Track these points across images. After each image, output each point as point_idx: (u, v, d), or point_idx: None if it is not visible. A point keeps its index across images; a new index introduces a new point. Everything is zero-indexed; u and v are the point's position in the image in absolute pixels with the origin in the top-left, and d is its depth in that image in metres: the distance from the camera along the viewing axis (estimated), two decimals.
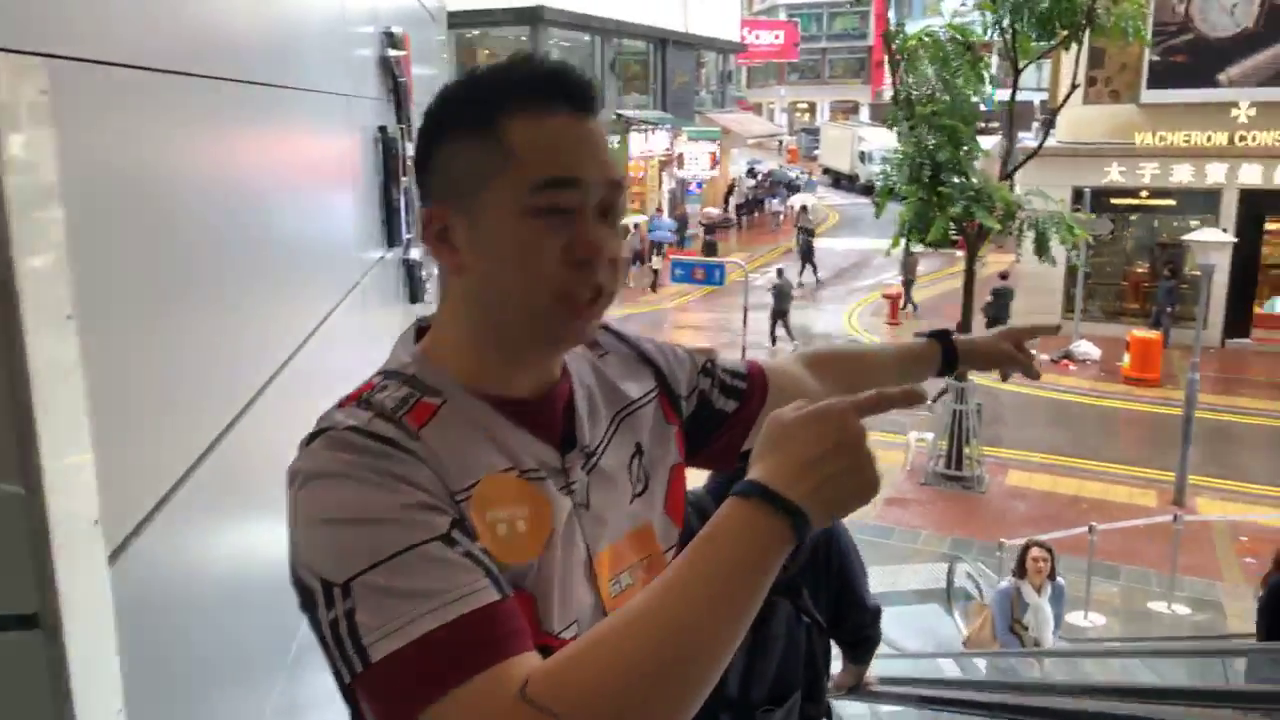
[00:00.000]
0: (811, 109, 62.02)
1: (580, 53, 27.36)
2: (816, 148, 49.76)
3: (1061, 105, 12.88)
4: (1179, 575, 10.08)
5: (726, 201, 35.47)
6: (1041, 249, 11.93)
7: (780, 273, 19.65)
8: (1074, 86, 13.02)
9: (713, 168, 32.95)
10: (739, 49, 40.24)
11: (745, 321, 15.24)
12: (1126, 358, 17.71)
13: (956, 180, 11.82)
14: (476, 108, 0.99)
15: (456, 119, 1.01)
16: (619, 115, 27.76)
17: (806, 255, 26.71)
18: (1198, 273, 19.83)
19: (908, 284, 23.02)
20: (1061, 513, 12.25)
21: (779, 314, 19.80)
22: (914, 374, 1.48)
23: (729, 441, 1.31)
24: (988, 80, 11.85)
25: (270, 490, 1.06)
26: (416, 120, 4.95)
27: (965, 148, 11.84)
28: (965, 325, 13.24)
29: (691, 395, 1.28)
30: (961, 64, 11.07)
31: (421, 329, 1.09)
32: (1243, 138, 18.41)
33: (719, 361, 1.35)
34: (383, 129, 3.92)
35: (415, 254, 4.44)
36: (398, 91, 4.27)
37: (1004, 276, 19.46)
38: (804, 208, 34.51)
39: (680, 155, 31.77)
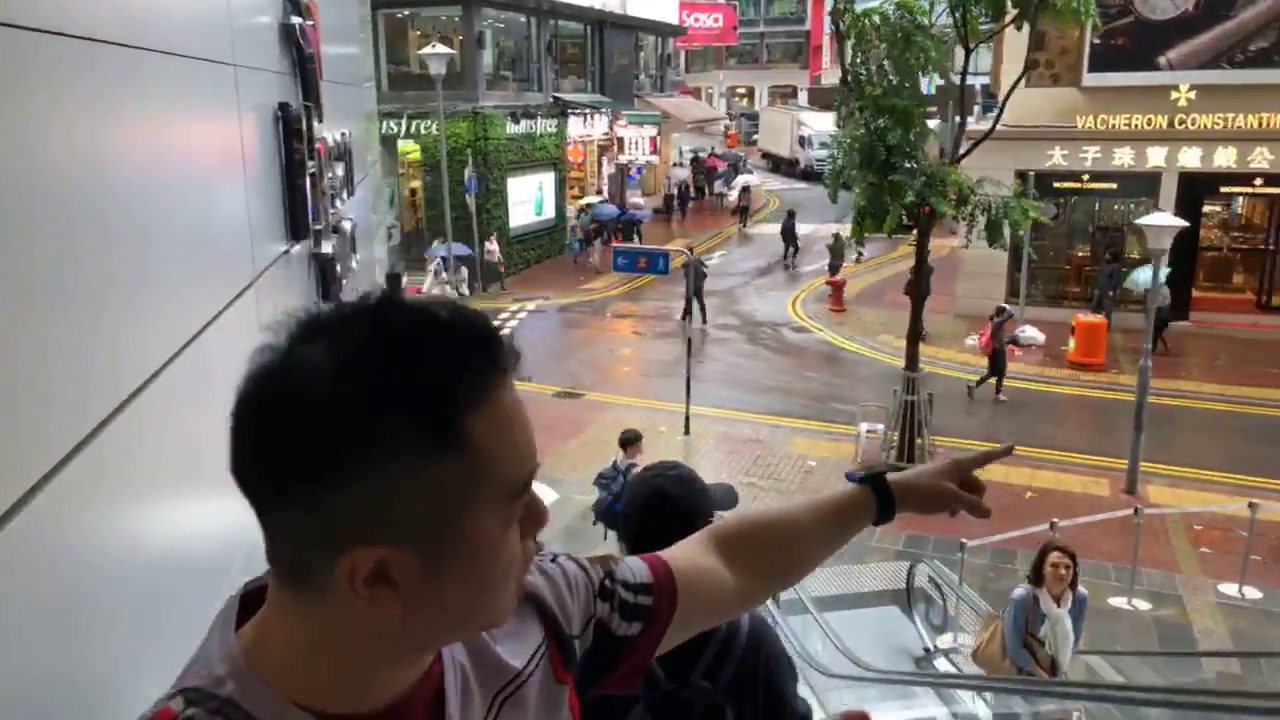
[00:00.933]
0: (750, 94, 61.85)
1: (516, 34, 26.56)
2: (756, 133, 49.57)
3: (1013, 88, 12.57)
4: (1138, 569, 9.88)
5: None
6: (994, 234, 11.63)
7: (690, 250, 19.25)
8: (1028, 66, 12.74)
9: (653, 152, 32.46)
10: (678, 32, 39.74)
11: (702, 311, 14.74)
12: (1071, 342, 17.68)
13: (908, 165, 11.45)
14: (418, 416, 0.77)
15: (387, 436, 0.76)
16: (556, 99, 27.06)
17: (788, 236, 26.60)
18: (1136, 256, 20.07)
19: (834, 268, 23.00)
20: (1015, 504, 12.01)
21: (696, 293, 19.49)
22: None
23: (633, 666, 1.17)
24: (941, 60, 11.47)
25: (139, 502, 1.19)
26: (330, 101, 4.41)
27: (916, 130, 11.48)
28: (916, 311, 12.93)
29: (587, 628, 1.13)
30: (924, 42, 10.66)
31: (249, 597, 0.89)
32: (1182, 120, 18.46)
33: (619, 575, 1.17)
34: (284, 106, 3.37)
35: (328, 247, 3.94)
36: (303, 65, 3.71)
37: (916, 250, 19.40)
38: (745, 188, 34.41)
39: (620, 139, 31.19)
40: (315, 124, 3.83)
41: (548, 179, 26.94)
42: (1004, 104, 12.69)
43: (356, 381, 0.75)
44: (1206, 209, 19.32)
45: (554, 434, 14.05)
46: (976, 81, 26.17)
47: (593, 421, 14.95)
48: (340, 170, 4.65)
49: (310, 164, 3.62)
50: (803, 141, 41.26)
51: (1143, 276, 17.86)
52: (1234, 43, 18.22)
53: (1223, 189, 19.70)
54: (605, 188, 30.72)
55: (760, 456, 13.72)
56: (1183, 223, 11.69)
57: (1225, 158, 18.46)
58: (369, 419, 0.75)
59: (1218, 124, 18.27)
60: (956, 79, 12.78)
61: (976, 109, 20.46)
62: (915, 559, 9.61)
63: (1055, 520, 9.28)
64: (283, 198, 3.35)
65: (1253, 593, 9.90)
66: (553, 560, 1.12)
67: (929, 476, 1.41)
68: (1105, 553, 10.61)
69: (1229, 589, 9.98)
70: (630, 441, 9.56)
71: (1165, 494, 12.16)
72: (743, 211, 33.49)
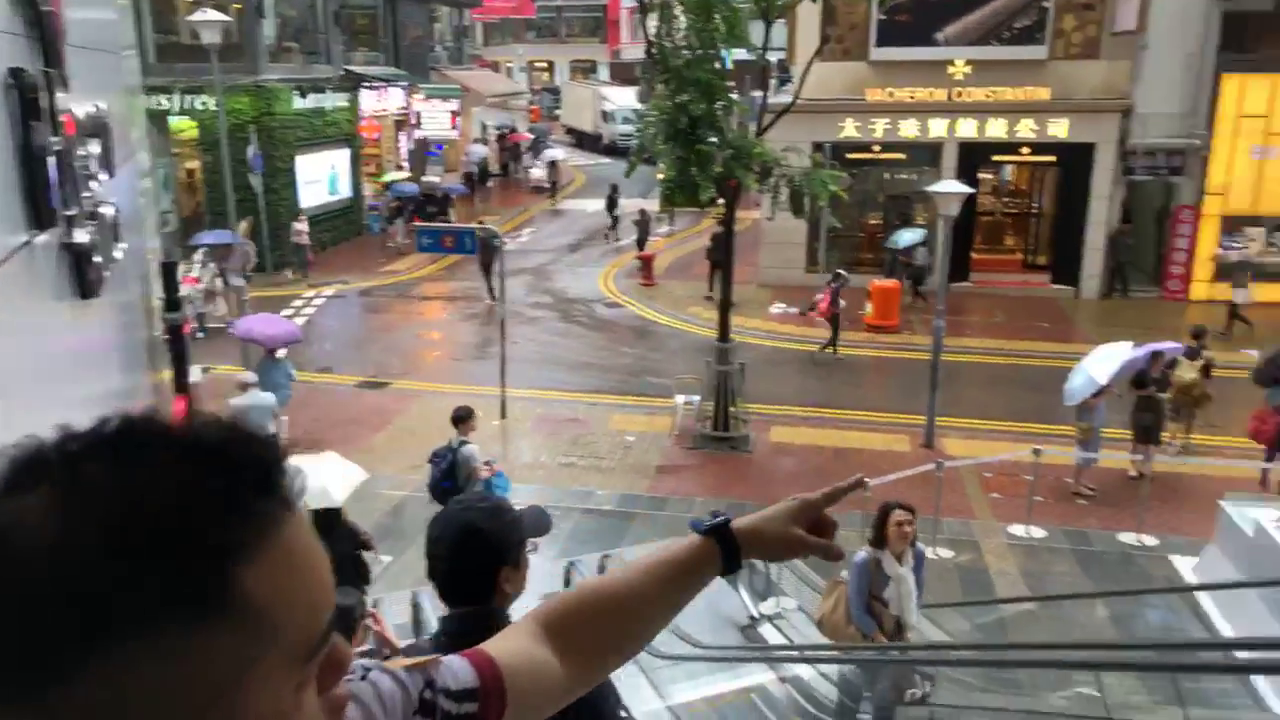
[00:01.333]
0: (550, 68, 61.28)
1: (300, 3, 24.94)
2: (558, 108, 49.17)
3: (811, 62, 12.91)
4: (939, 519, 10.46)
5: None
6: (798, 205, 11.94)
7: (481, 223, 18.93)
8: (823, 40, 13.11)
9: (453, 127, 31.52)
10: (474, 4, 38.70)
11: (502, 290, 14.38)
12: (869, 306, 18.58)
13: (713, 138, 11.54)
14: (173, 578, 0.61)
15: (132, 609, 0.60)
16: (347, 71, 25.69)
17: (611, 208, 26.52)
18: (922, 222, 21.32)
19: (641, 243, 23.19)
20: (827, 465, 12.51)
21: (484, 267, 19.24)
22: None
23: None
24: (741, 33, 11.59)
25: None
26: (79, 70, 3.82)
27: (721, 103, 11.58)
28: (726, 283, 13.12)
29: None
30: (724, 14, 10.69)
31: None
32: (959, 94, 19.69)
33: (440, 682, 1.05)
34: (16, 73, 2.84)
35: (83, 236, 3.40)
36: (41, 25, 3.15)
37: (722, 223, 19.92)
38: (553, 163, 34.09)
39: (418, 114, 30.07)
40: (59, 95, 3.29)
41: (341, 156, 25.58)
42: (804, 77, 13.01)
43: (87, 541, 0.60)
44: (981, 176, 20.70)
45: (359, 427, 13.37)
46: (772, 56, 27.07)
47: (401, 411, 14.35)
48: (96, 148, 4.06)
49: (55, 140, 3.10)
50: (606, 116, 41.27)
51: (903, 238, 19.03)
52: (1001, 20, 19.58)
53: (995, 158, 21.22)
54: (406, 164, 29.57)
55: (579, 436, 13.60)
56: (968, 189, 12.44)
57: (996, 128, 19.87)
58: (107, 589, 0.59)
59: (989, 97, 19.61)
60: (752, 54, 12.99)
61: (772, 83, 21.02)
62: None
63: (865, 479, 9.63)
64: (18, 179, 2.83)
65: (1038, 531, 10.72)
66: (363, 678, 0.98)
67: (777, 522, 1.32)
68: (911, 504, 11.17)
69: (1018, 530, 10.76)
70: (462, 419, 9.20)
71: (959, 446, 12.97)
72: (551, 186, 33.23)
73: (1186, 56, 18.84)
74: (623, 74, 46.73)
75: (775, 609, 8.94)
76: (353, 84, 25.88)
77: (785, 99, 13.76)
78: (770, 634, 8.57)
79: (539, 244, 26.82)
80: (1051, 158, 20.60)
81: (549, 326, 19.32)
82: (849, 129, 20.32)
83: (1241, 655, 4.43)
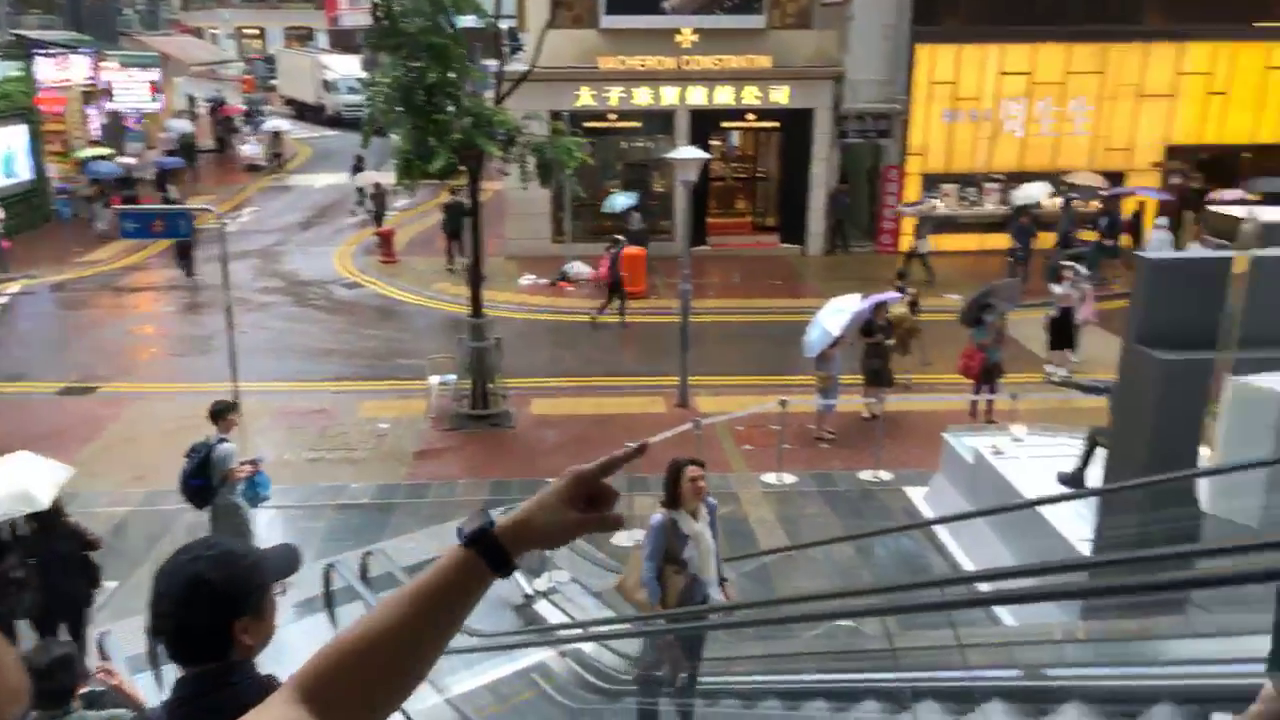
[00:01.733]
0: (262, 35, 56.96)
1: None
2: (274, 77, 45.83)
3: (546, 29, 12.68)
4: None
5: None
6: (546, 174, 11.72)
7: (166, 197, 17.45)
8: (556, 6, 12.86)
9: (153, 98, 28.51)
10: None
11: (225, 276, 13.10)
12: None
13: (450, 106, 11.04)
14: None
15: None
16: (18, 36, 22.47)
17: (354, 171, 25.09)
18: (661, 189, 21.82)
19: (379, 217, 22.22)
20: (589, 433, 12.50)
21: (183, 249, 17.96)
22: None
23: None
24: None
25: None
26: None
27: (456, 69, 11.07)
28: (477, 255, 12.69)
29: None
30: None
31: None
32: (687, 62, 20.21)
33: None
34: None
35: None
36: None
37: (454, 193, 19.57)
38: (276, 134, 31.82)
39: (109, 84, 26.89)
40: None
41: (17, 133, 22.37)
42: (539, 45, 12.72)
43: None
44: (712, 143, 21.41)
45: (65, 439, 11.76)
46: (502, 25, 26.53)
47: (114, 419, 12.80)
48: None
49: None
50: (328, 86, 38.93)
51: (617, 202, 19.40)
52: None
53: (724, 124, 22.02)
54: (100, 140, 26.37)
55: (327, 427, 12.75)
56: (706, 155, 12.72)
57: (724, 95, 20.61)
58: None
59: (716, 65, 20.28)
60: (483, 21, 12.54)
61: (504, 51, 20.58)
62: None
63: (629, 444, 9.66)
64: None
65: (789, 478, 11.28)
66: None
67: (548, 508, 1.25)
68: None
69: (770, 478, 11.26)
70: (220, 414, 8.25)
71: (710, 403, 13.39)
72: (275, 159, 30.98)
73: (885, 27, 20.40)
74: (344, 41, 44.18)
75: (549, 584, 8.81)
76: (24, 51, 22.66)
77: (520, 68, 13.44)
78: (546, 610, 8.42)
79: (264, 224, 24.88)
80: (775, 123, 21.69)
81: (282, 312, 17.97)
82: (585, 97, 20.33)
83: (983, 587, 4.72)
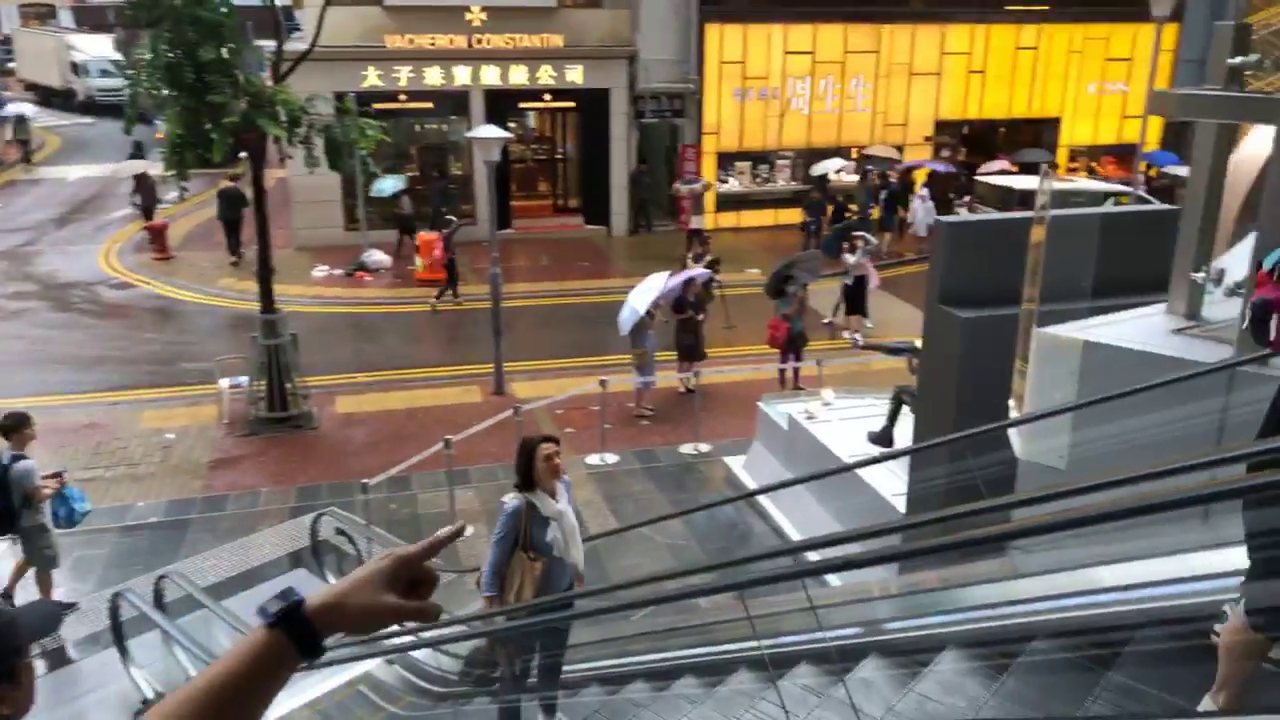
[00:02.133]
0: None
1: None
2: (11, 59, 41.13)
3: (326, 5, 11.85)
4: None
5: None
6: (336, 157, 11.00)
7: None
8: None
9: None
10: None
11: None
12: (419, 260, 18.08)
13: (227, 86, 10.14)
14: None
15: None
16: None
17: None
18: (459, 171, 21.21)
19: (148, 210, 20.41)
20: (403, 428, 11.96)
21: None
22: (263, 695, 1.10)
23: None
24: None
25: None
26: None
27: (231, 46, 10.16)
28: (264, 246, 11.77)
29: None
30: None
31: None
32: (479, 40, 19.66)
33: None
34: None
35: None
36: None
37: (234, 179, 18.43)
38: (21, 119, 28.62)
39: None
40: None
41: None
42: (320, 21, 11.90)
43: None
44: (510, 124, 21.01)
45: None
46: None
47: None
48: None
49: None
50: (77, 69, 35.32)
51: (386, 186, 18.74)
52: None
53: (521, 104, 21.64)
54: None
55: (102, 443, 11.52)
56: (507, 134, 12.39)
57: (519, 75, 20.22)
58: None
59: (509, 44, 19.85)
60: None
61: (281, 27, 19.31)
62: (316, 511, 8.88)
63: (449, 437, 9.31)
64: None
65: (611, 457, 11.21)
66: None
67: (364, 590, 1.16)
68: (494, 455, 11.08)
69: (594, 459, 11.16)
70: (11, 429, 7.23)
71: (528, 388, 13.13)
72: (23, 148, 27.83)
73: (675, 6, 20.66)
74: (92, 19, 40.27)
75: None
76: None
77: (300, 47, 12.54)
78: None
79: (12, 221, 22.28)
80: (571, 103, 21.53)
81: (40, 319, 16.14)
82: (372, 78, 19.40)
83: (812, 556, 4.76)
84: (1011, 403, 5.13)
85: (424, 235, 18.24)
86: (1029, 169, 20.15)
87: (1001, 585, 4.19)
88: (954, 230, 6.47)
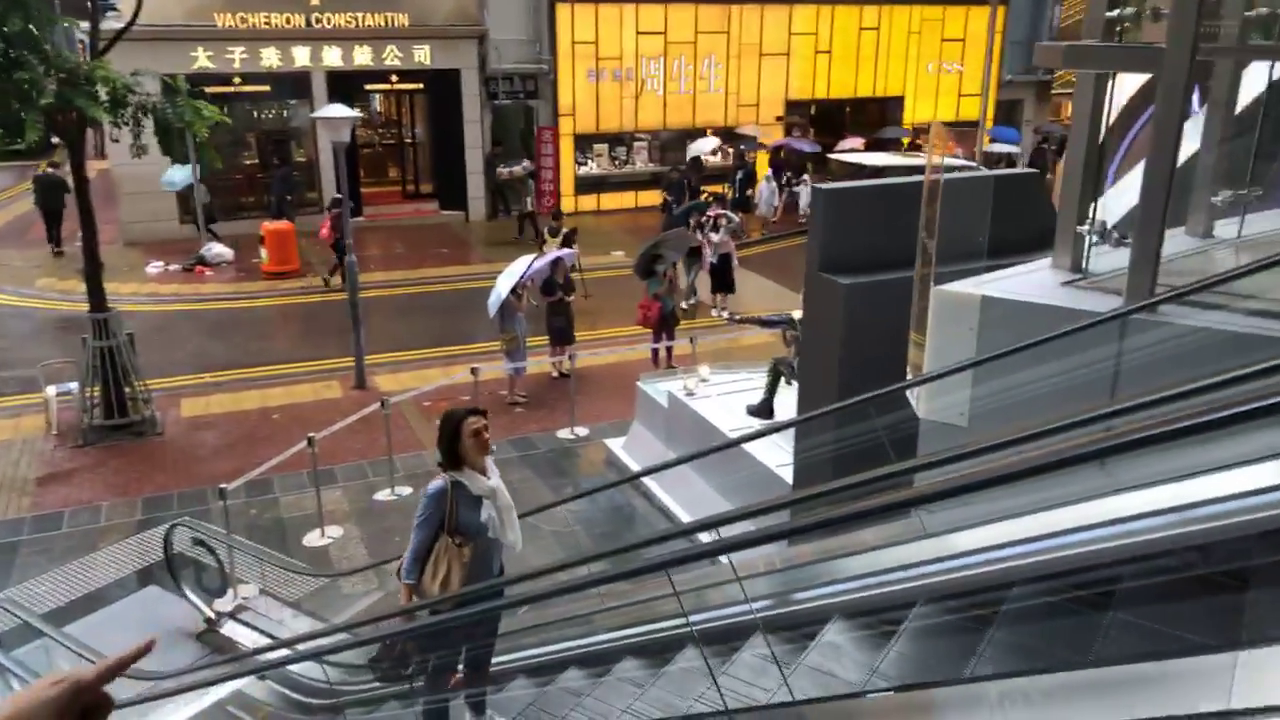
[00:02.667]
0: None
1: None
2: None
3: None
4: (393, 457, 10.00)
5: None
6: (168, 141, 10.10)
7: None
8: None
9: None
10: None
11: None
12: (264, 252, 17.06)
13: (38, 62, 9.13)
14: None
15: None
16: None
17: None
18: (303, 158, 20.16)
19: None
20: (257, 429, 11.21)
21: None
22: None
23: None
24: None
25: None
26: None
27: (37, 19, 9.15)
28: (90, 240, 10.74)
29: None
30: None
31: None
32: (319, 19, 18.66)
33: None
34: None
35: None
36: None
37: (54, 166, 17.15)
38: None
39: None
40: None
41: None
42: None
43: None
44: (357, 107, 20.10)
45: None
46: None
47: None
48: None
49: None
50: None
51: (176, 177, 17.65)
52: None
53: (367, 86, 20.74)
54: None
55: None
56: (356, 113, 11.73)
57: (363, 56, 19.34)
58: None
59: (350, 23, 18.93)
60: None
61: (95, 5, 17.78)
62: (169, 523, 8.17)
63: (312, 435, 8.74)
64: None
65: None
66: None
67: (32, 716, 1.06)
68: (358, 451, 10.54)
69: None
70: None
71: (391, 381, 12.56)
72: None
73: None
74: None
75: (234, 602, 7.72)
76: None
77: (118, 25, 11.48)
78: (237, 631, 7.37)
79: None
80: (419, 85, 20.79)
81: None
82: (202, 59, 18.13)
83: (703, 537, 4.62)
84: (909, 370, 5.13)
85: (268, 225, 17.22)
86: (882, 145, 20.85)
87: (909, 547, 4.16)
88: (833, 197, 6.47)
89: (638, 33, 21.59)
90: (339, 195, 16.78)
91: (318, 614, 7.68)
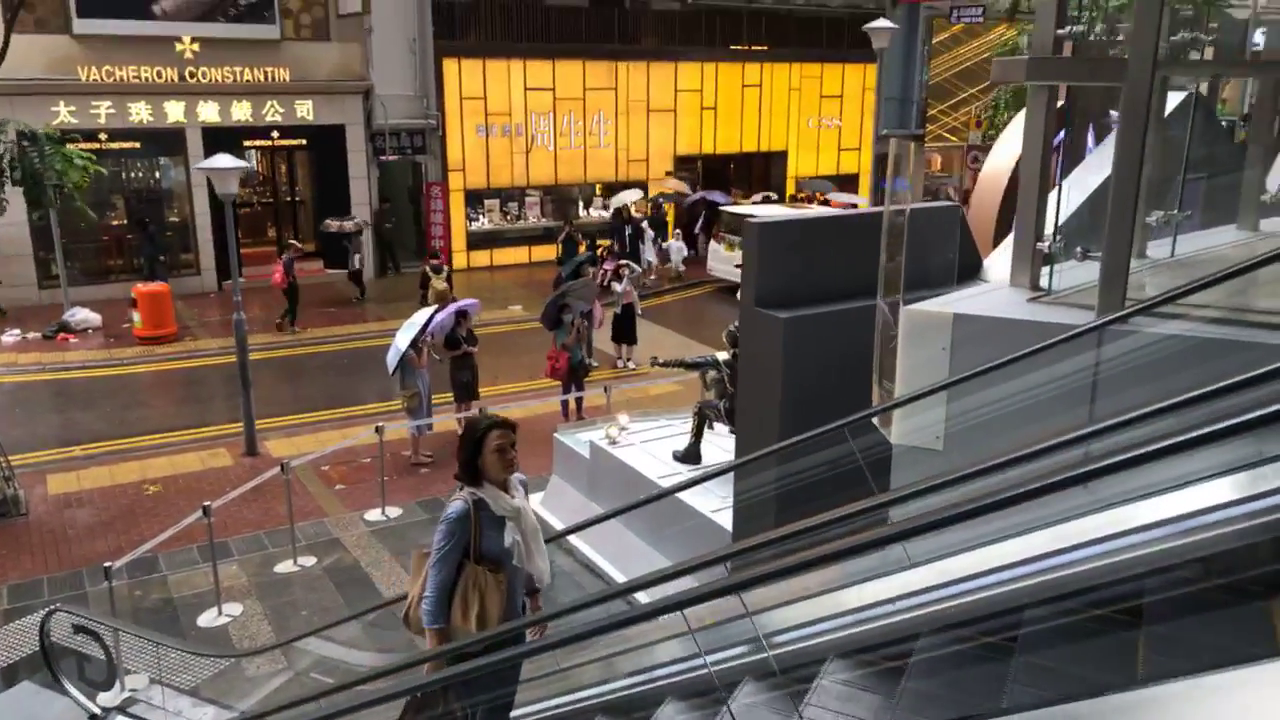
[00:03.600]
0: None
1: None
2: None
3: (8, 34, 10.12)
4: (292, 526, 9.29)
5: None
6: (35, 192, 9.30)
7: None
8: (16, 8, 10.36)
9: None
10: None
11: None
12: (136, 316, 15.97)
13: None
14: None
15: None
16: None
17: None
18: (177, 219, 19.15)
19: None
20: (137, 503, 10.29)
21: None
22: None
23: None
24: None
25: None
26: None
27: None
28: None
29: None
30: None
31: None
32: (193, 74, 17.88)
33: None
34: None
35: None
36: None
37: None
38: None
39: None
40: None
41: None
42: (2, 51, 10.17)
43: None
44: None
45: None
46: None
47: None
48: None
49: None
50: None
51: None
52: None
53: (246, 143, 19.91)
54: None
55: None
56: (244, 164, 11.12)
57: (241, 112, 18.60)
58: None
59: (228, 78, 18.21)
60: None
61: None
62: (45, 610, 7.29)
63: (208, 504, 8.02)
64: None
65: (394, 510, 10.21)
66: None
67: None
68: (254, 522, 9.80)
69: (374, 514, 10.12)
70: None
71: (284, 446, 11.80)
72: None
73: (410, 41, 19.93)
74: None
75: (121, 695, 6.91)
76: None
77: None
78: None
79: None
80: (302, 141, 20.13)
81: None
82: (64, 114, 17.06)
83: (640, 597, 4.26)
84: (875, 399, 4.98)
85: (141, 287, 16.18)
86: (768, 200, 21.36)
87: (899, 577, 3.95)
88: (766, 232, 6.36)
89: (526, 88, 21.55)
90: (293, 241, 17.21)
91: (220, 701, 6.94)
